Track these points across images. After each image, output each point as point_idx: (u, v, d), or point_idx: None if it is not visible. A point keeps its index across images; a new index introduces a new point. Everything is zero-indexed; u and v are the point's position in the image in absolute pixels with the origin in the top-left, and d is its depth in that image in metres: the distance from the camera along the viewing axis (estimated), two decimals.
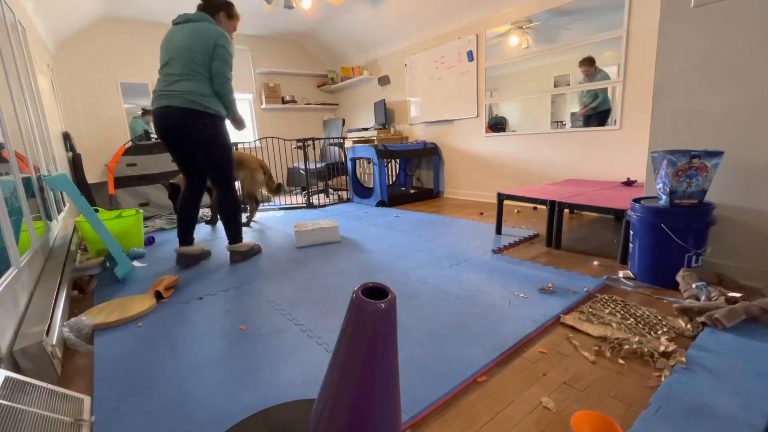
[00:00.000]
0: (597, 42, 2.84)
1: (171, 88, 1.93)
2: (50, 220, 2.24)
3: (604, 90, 2.88)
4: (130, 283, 2.02)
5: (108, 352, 1.33)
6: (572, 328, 1.33)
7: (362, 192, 4.37)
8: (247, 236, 2.89)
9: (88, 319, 1.45)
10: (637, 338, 1.20)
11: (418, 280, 1.82)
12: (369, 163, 4.89)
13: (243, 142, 4.24)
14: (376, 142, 4.40)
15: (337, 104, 5.90)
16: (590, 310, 1.43)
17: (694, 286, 1.44)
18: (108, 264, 2.27)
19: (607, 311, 1.41)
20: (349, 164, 4.34)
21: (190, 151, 2.10)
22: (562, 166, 3.25)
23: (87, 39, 3.99)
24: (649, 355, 1.13)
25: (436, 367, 1.12)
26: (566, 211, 3.07)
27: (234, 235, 2.25)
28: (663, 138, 1.78)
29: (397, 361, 0.73)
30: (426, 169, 4.60)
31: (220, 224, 3.39)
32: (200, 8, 2.06)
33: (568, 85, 3.09)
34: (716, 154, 1.49)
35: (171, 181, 3.10)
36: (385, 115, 4.70)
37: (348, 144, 4.69)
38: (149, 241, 2.87)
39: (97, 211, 2.55)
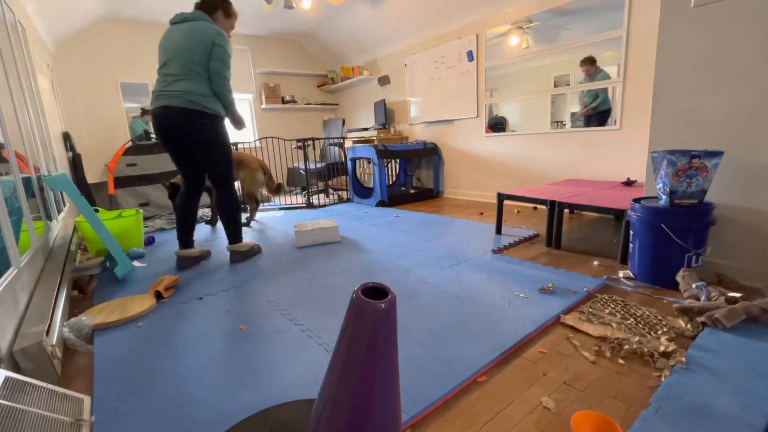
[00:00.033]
0: (597, 42, 2.84)
1: (169, 88, 1.93)
2: (50, 220, 2.24)
3: (605, 90, 2.88)
4: (130, 283, 2.02)
5: (108, 352, 1.33)
6: (572, 328, 1.33)
7: (362, 192, 4.37)
8: (247, 236, 2.89)
9: (88, 319, 1.45)
10: (637, 338, 1.20)
11: (418, 280, 1.82)
12: (369, 163, 4.89)
13: (243, 142, 4.24)
14: (376, 142, 4.40)
15: (337, 104, 5.90)
16: (590, 310, 1.43)
17: (694, 286, 1.44)
18: (108, 264, 2.27)
19: (607, 311, 1.42)
20: (349, 164, 4.34)
21: (188, 151, 2.09)
22: (562, 166, 3.25)
23: (87, 39, 3.99)
24: (649, 355, 1.13)
25: (436, 367, 1.12)
26: (566, 211, 3.07)
27: (234, 235, 2.25)
28: (663, 138, 1.78)
29: (397, 361, 0.73)
30: (426, 169, 4.60)
31: (219, 224, 3.39)
32: (197, 7, 2.05)
33: (568, 85, 3.09)
34: (716, 154, 1.49)
35: (171, 181, 3.10)
36: (385, 115, 4.70)
37: (348, 144, 4.69)
38: (149, 241, 2.87)
39: (97, 211, 2.55)
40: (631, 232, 1.74)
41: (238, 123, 2.19)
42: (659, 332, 1.25)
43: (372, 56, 5.04)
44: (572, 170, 3.18)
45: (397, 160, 4.75)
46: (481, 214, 3.31)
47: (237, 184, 3.45)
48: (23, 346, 1.09)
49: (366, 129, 4.76)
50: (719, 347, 1.15)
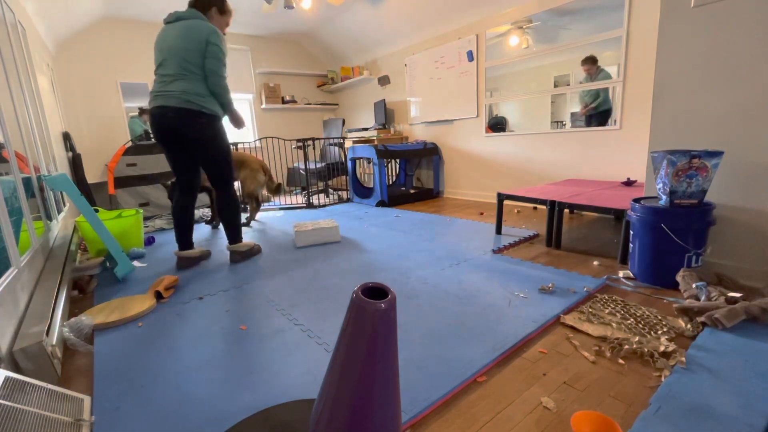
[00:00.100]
0: (597, 42, 2.84)
1: (166, 89, 1.92)
2: (50, 220, 2.24)
3: (606, 90, 2.88)
4: (130, 283, 2.02)
5: (108, 352, 1.33)
6: (572, 328, 1.33)
7: (362, 192, 4.37)
8: (247, 236, 2.89)
9: (88, 319, 1.45)
10: (637, 338, 1.20)
11: (418, 280, 1.82)
12: (369, 163, 4.89)
13: (243, 142, 4.24)
14: (376, 142, 4.40)
15: (337, 104, 5.90)
16: (590, 310, 1.43)
17: (694, 286, 1.44)
18: (108, 264, 2.27)
19: (607, 311, 1.41)
20: (349, 164, 4.34)
21: (186, 152, 2.08)
22: (562, 166, 3.25)
23: (87, 39, 3.99)
24: (649, 355, 1.13)
25: (436, 367, 1.12)
26: (566, 211, 3.07)
27: (234, 235, 2.25)
28: (663, 138, 1.78)
29: (397, 361, 0.73)
30: (426, 169, 4.60)
31: (219, 224, 3.39)
32: (191, 5, 2.04)
33: (568, 85, 3.09)
34: (716, 154, 1.49)
35: (171, 181, 3.10)
36: (385, 115, 4.70)
37: (348, 144, 4.69)
38: (149, 241, 2.87)
39: (97, 211, 2.55)
40: (631, 232, 1.74)
41: (238, 122, 2.17)
42: (659, 332, 1.25)
43: (372, 56, 5.04)
44: (572, 170, 3.18)
45: (397, 160, 4.75)
46: (481, 214, 3.31)
47: (237, 184, 3.45)
48: (23, 346, 1.09)
49: (366, 129, 4.76)
50: (719, 347, 1.15)
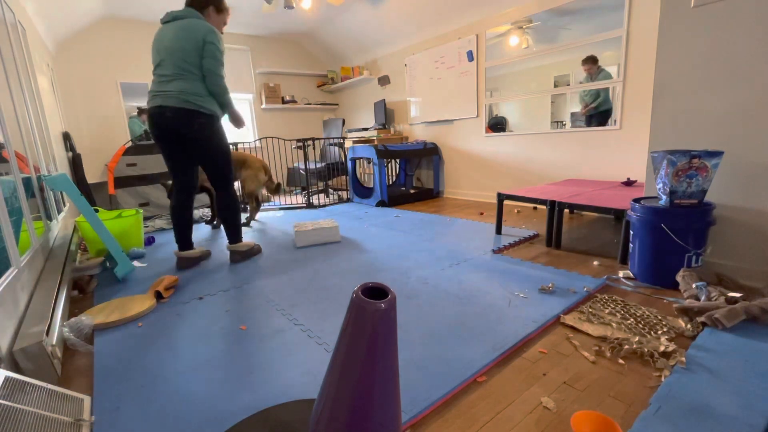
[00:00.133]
0: (597, 42, 2.84)
1: (165, 88, 1.91)
2: (50, 220, 2.24)
3: (606, 90, 2.88)
4: (130, 283, 2.02)
5: (108, 352, 1.33)
6: (572, 328, 1.33)
7: (362, 192, 4.37)
8: (247, 236, 2.89)
9: (88, 319, 1.45)
10: (637, 338, 1.20)
11: (418, 280, 1.82)
12: (369, 163, 4.89)
13: (243, 142, 4.24)
14: (376, 142, 4.40)
15: (337, 104, 5.90)
16: (590, 310, 1.43)
17: (694, 286, 1.44)
18: (108, 264, 2.27)
19: (607, 311, 1.41)
20: (349, 164, 4.34)
21: (185, 151, 2.07)
22: (562, 166, 3.25)
23: (87, 39, 3.99)
24: (649, 355, 1.13)
25: (436, 367, 1.12)
26: (566, 211, 3.07)
27: (234, 235, 2.25)
28: (663, 138, 1.78)
29: (397, 361, 0.73)
30: (426, 169, 4.60)
31: (219, 224, 3.39)
32: (188, 4, 2.02)
33: (568, 85, 3.09)
34: (716, 154, 1.49)
35: (171, 181, 3.10)
36: (385, 115, 4.70)
37: (348, 144, 4.69)
38: (149, 241, 2.87)
39: (97, 211, 2.56)
40: (631, 232, 1.74)
41: (238, 121, 2.16)
42: (659, 332, 1.25)
43: (372, 56, 5.04)
44: (572, 170, 3.18)
45: (397, 160, 4.75)
46: (481, 214, 3.31)
47: (237, 184, 3.46)
48: (23, 346, 1.09)
49: (366, 129, 4.76)
50: (719, 347, 1.15)
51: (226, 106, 2.05)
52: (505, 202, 2.89)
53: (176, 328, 1.49)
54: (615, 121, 2.85)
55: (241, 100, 5.18)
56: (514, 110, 3.56)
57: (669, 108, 1.75)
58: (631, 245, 1.76)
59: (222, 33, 2.09)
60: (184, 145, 2.03)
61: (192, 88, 1.92)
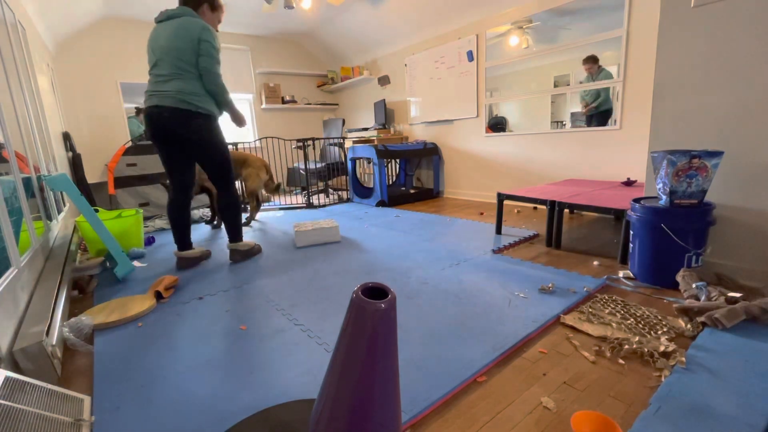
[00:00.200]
0: (597, 42, 2.84)
1: (161, 88, 1.90)
2: (50, 220, 2.24)
3: (607, 89, 2.88)
4: (130, 283, 2.02)
5: (108, 352, 1.33)
6: (572, 328, 1.33)
7: (362, 192, 4.37)
8: (248, 236, 2.89)
9: (88, 319, 1.45)
10: (637, 338, 1.20)
11: (418, 280, 1.82)
12: (369, 163, 4.89)
13: (243, 142, 4.24)
14: (376, 142, 4.40)
15: (337, 104, 5.90)
16: (590, 310, 1.43)
17: (694, 286, 1.44)
18: (108, 264, 2.27)
19: (607, 311, 1.41)
20: (349, 164, 4.34)
21: (183, 151, 2.06)
22: (562, 166, 3.25)
23: (87, 39, 3.99)
24: (649, 355, 1.13)
25: (436, 367, 1.12)
26: (566, 211, 3.07)
27: (234, 233, 2.25)
28: (663, 138, 1.78)
29: (397, 361, 0.73)
30: (426, 169, 4.60)
31: (220, 224, 3.39)
32: (182, 2, 2.01)
33: (568, 85, 3.09)
34: (716, 154, 1.49)
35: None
36: (385, 115, 4.70)
37: (348, 144, 4.69)
38: (149, 241, 2.87)
39: (97, 211, 2.55)
40: (631, 232, 1.74)
41: (239, 120, 2.15)
42: (659, 332, 1.25)
43: (372, 56, 5.04)
44: (572, 170, 3.18)
45: (397, 160, 4.75)
46: (481, 214, 3.31)
47: (238, 183, 3.46)
48: (23, 346, 1.08)
49: (366, 129, 4.76)
50: (719, 347, 1.15)
51: (226, 104, 2.05)
52: (505, 202, 2.89)
53: (176, 328, 1.49)
54: (615, 121, 2.85)
55: (241, 100, 5.18)
56: (514, 110, 3.56)
57: (669, 108, 1.75)
58: (631, 245, 1.76)
59: (217, 30, 2.08)
60: (181, 145, 2.02)
61: (189, 88, 1.91)
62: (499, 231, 2.56)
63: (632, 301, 1.50)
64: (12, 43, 2.06)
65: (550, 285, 1.63)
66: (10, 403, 0.79)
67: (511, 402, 0.99)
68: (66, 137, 3.51)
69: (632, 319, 1.34)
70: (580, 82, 3.00)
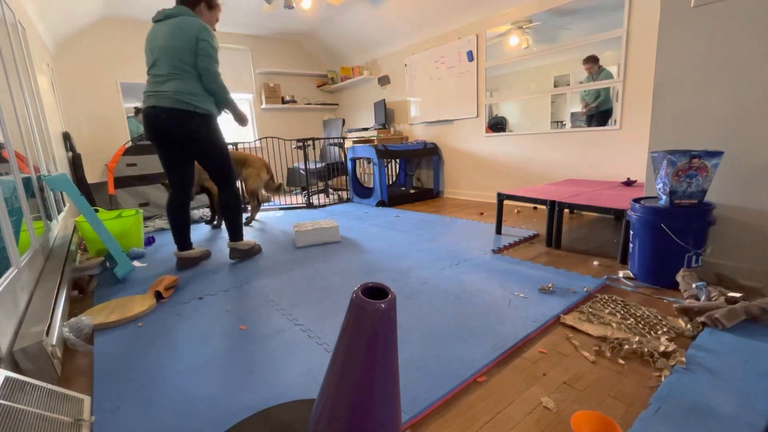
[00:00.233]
0: (597, 42, 2.84)
1: (159, 89, 1.89)
2: (50, 220, 2.24)
3: (607, 89, 2.88)
4: (130, 283, 2.02)
5: (108, 352, 1.33)
6: (572, 328, 1.33)
7: (362, 192, 4.37)
8: (248, 235, 2.89)
9: (88, 319, 1.45)
10: (637, 338, 1.20)
11: (418, 280, 1.82)
12: (369, 163, 4.89)
13: (243, 142, 4.24)
14: (376, 142, 4.40)
15: (337, 104, 5.90)
16: (590, 310, 1.43)
17: (694, 286, 1.44)
18: (108, 264, 2.27)
19: (607, 311, 1.41)
20: (349, 164, 4.34)
21: (182, 151, 2.06)
22: (562, 166, 3.25)
23: (87, 39, 3.99)
24: (649, 355, 1.13)
25: (436, 367, 1.12)
26: (566, 211, 3.07)
27: (235, 232, 2.25)
28: (663, 138, 1.78)
29: (397, 361, 0.73)
30: (426, 169, 4.60)
31: (220, 224, 3.39)
32: (179, 1, 2.00)
33: (568, 85, 3.09)
34: (716, 154, 1.49)
35: None
36: (385, 115, 4.70)
37: (348, 144, 4.69)
38: (149, 241, 2.87)
39: (97, 211, 2.55)
40: (631, 232, 1.74)
41: (241, 119, 2.14)
42: (659, 332, 1.25)
43: (372, 56, 5.04)
44: (572, 170, 3.18)
45: (397, 160, 4.75)
46: (481, 214, 3.31)
47: (238, 183, 3.46)
48: (23, 346, 1.09)
49: (366, 129, 4.76)
50: (719, 347, 1.15)
51: (227, 104, 2.04)
52: (505, 202, 2.89)
53: (176, 328, 1.49)
54: (615, 121, 2.85)
55: (241, 100, 5.18)
56: (514, 110, 3.56)
57: (669, 108, 1.75)
58: (631, 245, 1.76)
59: (215, 30, 2.08)
60: (180, 145, 2.02)
61: (187, 88, 1.90)
62: (499, 231, 2.56)
63: (632, 301, 1.50)
64: (12, 43, 2.06)
65: (550, 285, 1.63)
66: (10, 403, 0.79)
67: (511, 402, 0.99)
68: (66, 137, 3.51)
69: (632, 319, 1.34)
70: (580, 82, 3.00)
